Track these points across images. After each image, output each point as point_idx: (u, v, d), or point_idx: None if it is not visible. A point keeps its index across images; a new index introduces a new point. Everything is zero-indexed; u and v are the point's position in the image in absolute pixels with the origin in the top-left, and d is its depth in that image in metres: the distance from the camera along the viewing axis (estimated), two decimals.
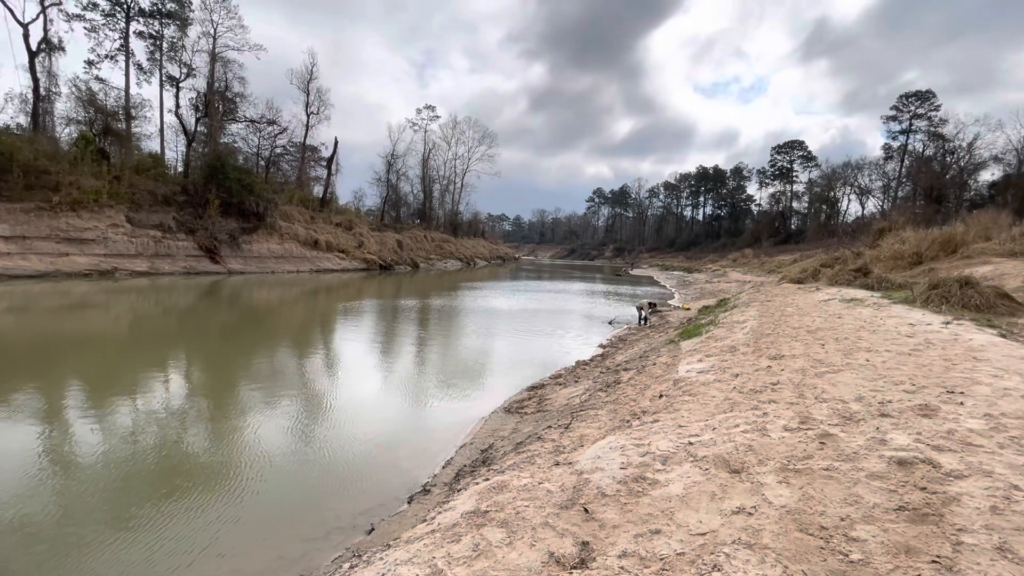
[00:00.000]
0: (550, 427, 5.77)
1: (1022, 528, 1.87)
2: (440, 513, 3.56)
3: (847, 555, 1.80)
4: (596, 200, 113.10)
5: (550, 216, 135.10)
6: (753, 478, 2.56)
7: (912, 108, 45.76)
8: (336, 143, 44.65)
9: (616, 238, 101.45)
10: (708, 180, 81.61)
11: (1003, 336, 5.80)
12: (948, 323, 6.48)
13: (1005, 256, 10.46)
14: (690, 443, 3.25)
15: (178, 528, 3.91)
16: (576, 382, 8.38)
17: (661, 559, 2.01)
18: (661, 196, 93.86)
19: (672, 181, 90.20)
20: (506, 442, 5.82)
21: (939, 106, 44.80)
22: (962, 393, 3.59)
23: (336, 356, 10.66)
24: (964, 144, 35.48)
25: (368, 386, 8.43)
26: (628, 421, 4.89)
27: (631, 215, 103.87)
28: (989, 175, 34.20)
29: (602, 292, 28.28)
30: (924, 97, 45.49)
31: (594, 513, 2.56)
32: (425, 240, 50.94)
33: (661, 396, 5.44)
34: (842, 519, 2.06)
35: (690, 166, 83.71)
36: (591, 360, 10.06)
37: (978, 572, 1.62)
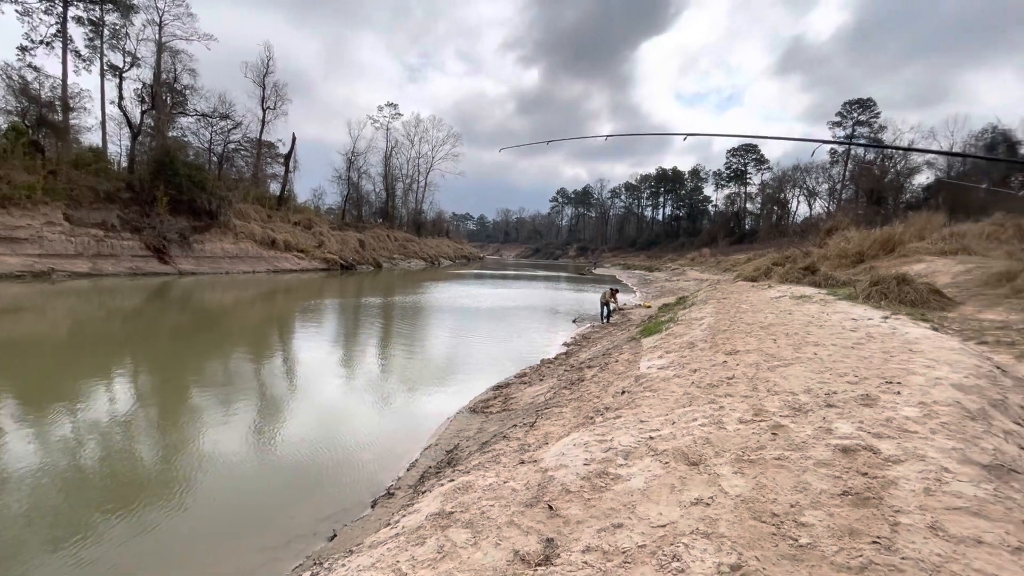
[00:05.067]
0: (515, 426, 5.79)
1: (952, 507, 2.01)
2: (404, 516, 3.52)
3: (796, 540, 1.89)
4: (560, 200, 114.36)
5: (515, 216, 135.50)
6: (710, 469, 2.65)
7: (855, 115, 48.51)
8: (294, 140, 43.37)
9: (579, 237, 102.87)
10: (667, 181, 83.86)
11: (935, 329, 6.22)
12: (887, 318, 6.90)
13: (936, 255, 11.24)
14: (651, 438, 3.34)
15: (125, 544, 3.69)
16: (541, 380, 8.44)
17: (623, 552, 2.05)
18: (623, 196, 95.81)
19: (633, 182, 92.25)
20: (472, 442, 5.81)
21: (879, 113, 47.77)
22: (899, 383, 3.83)
23: (295, 358, 10.35)
24: (900, 151, 38.00)
25: (330, 388, 8.23)
26: (592, 418, 4.96)
27: (594, 215, 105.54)
28: (924, 179, 36.84)
29: (566, 291, 28.61)
30: (866, 105, 48.28)
31: (558, 510, 2.59)
32: (388, 239, 50.11)
33: (623, 392, 5.55)
34: (792, 505, 2.16)
35: (665, 168, 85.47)
36: (556, 358, 10.17)
37: (913, 550, 1.74)
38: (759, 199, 63.39)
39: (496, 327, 14.55)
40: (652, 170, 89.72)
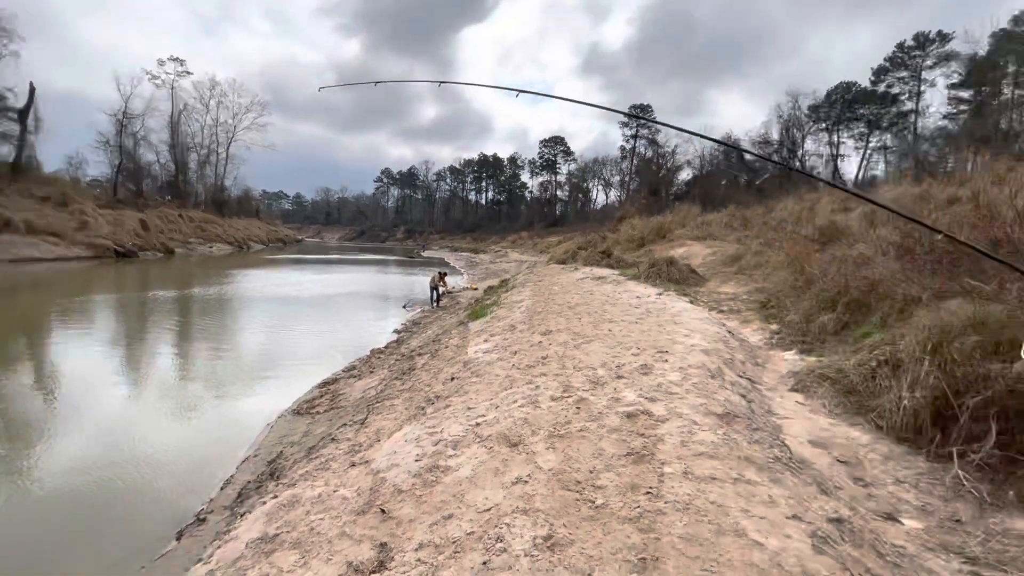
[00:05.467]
0: (345, 425, 5.58)
1: (698, 454, 2.64)
2: (220, 547, 3.16)
3: (594, 502, 2.28)
4: (385, 181, 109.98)
5: (336, 195, 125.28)
6: (528, 448, 2.98)
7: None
8: (32, 91, 33.08)
9: (407, 220, 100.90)
10: (488, 167, 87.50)
11: (692, 302, 7.87)
12: (661, 294, 8.47)
13: (693, 240, 14.13)
14: (477, 424, 3.58)
15: None
16: (371, 372, 8.23)
17: (454, 542, 2.20)
18: (448, 180, 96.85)
19: (457, 166, 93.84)
20: (297, 448, 5.42)
21: (654, 117, 57.22)
22: (667, 352, 4.78)
23: (57, 371, 8.17)
24: (670, 150, 46.70)
25: (111, 404, 6.75)
26: (423, 408, 5.06)
27: (420, 197, 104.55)
28: (686, 175, 45.70)
29: (396, 274, 28.02)
30: (644, 109, 57.36)
31: (391, 512, 2.63)
32: (181, 220, 42.09)
33: (453, 379, 5.76)
34: (591, 471, 2.58)
35: (486, 154, 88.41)
36: (386, 347, 9.98)
37: (673, 494, 2.25)
38: (567, 187, 70.67)
39: (321, 317, 13.57)
40: (475, 155, 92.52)
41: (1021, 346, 3.33)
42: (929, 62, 37.02)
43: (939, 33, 36.51)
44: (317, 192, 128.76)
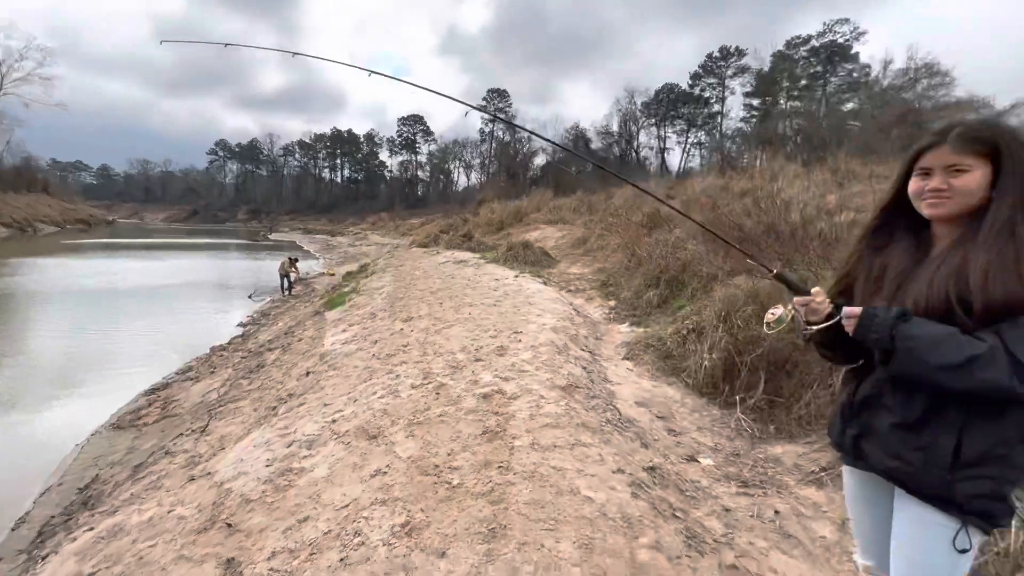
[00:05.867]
0: (181, 435, 4.97)
1: (544, 425, 2.95)
2: None
3: (450, 483, 2.42)
4: (221, 154, 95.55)
5: (158, 169, 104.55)
6: (387, 439, 3.01)
7: (495, 103, 58.51)
8: None
9: (250, 199, 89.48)
10: (343, 143, 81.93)
11: (545, 283, 8.48)
12: (518, 276, 8.96)
13: (547, 224, 15.11)
14: (334, 420, 3.48)
15: None
16: (212, 373, 7.35)
17: (310, 544, 2.17)
18: (297, 155, 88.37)
19: (308, 140, 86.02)
20: (119, 469, 4.68)
21: (511, 103, 59.05)
22: (521, 332, 5.13)
23: None
24: (527, 136, 48.75)
25: None
26: (275, 408, 4.74)
27: (266, 173, 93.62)
28: (541, 160, 48.23)
29: (240, 260, 24.98)
30: (502, 95, 58.87)
31: (239, 524, 2.47)
32: None
33: (308, 374, 5.46)
34: (448, 454, 2.72)
35: (340, 129, 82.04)
36: (230, 343, 8.97)
37: (521, 465, 2.50)
38: (428, 168, 69.62)
39: (146, 313, 11.56)
40: (328, 129, 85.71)
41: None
42: (730, 72, 44.10)
43: (736, 48, 43.62)
44: (132, 164, 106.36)
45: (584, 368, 4.35)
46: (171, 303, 12.94)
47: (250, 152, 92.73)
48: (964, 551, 1.11)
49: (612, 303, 7.32)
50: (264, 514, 2.50)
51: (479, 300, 7.08)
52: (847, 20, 38.28)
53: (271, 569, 2.07)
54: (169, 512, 2.93)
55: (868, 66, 34.37)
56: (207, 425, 5.00)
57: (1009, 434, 1.06)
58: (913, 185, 1.20)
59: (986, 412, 1.07)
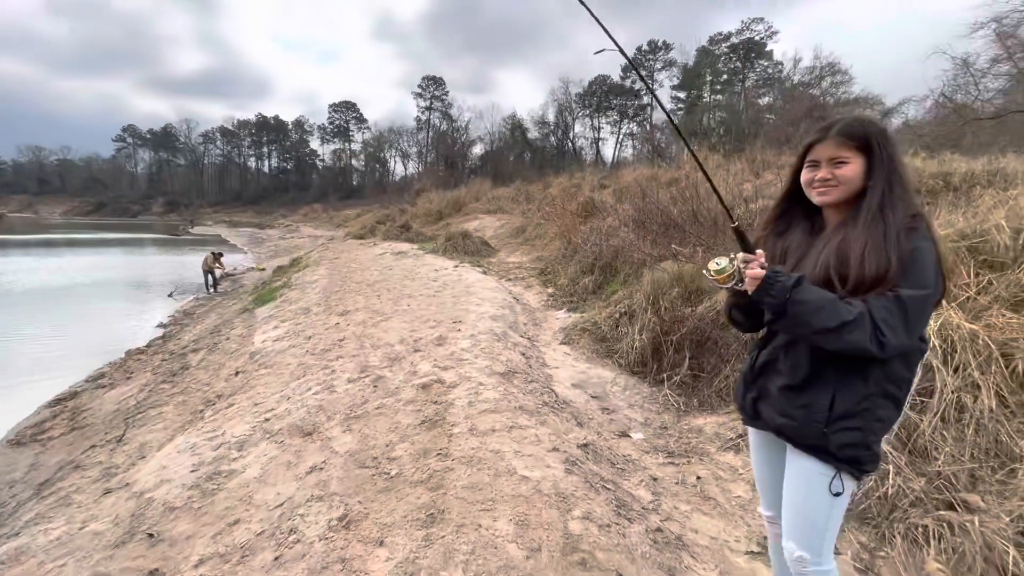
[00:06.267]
0: (94, 447, 4.60)
1: (482, 411, 3.00)
2: None
3: (389, 473, 2.42)
4: (130, 141, 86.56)
5: (54, 157, 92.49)
6: (323, 435, 2.95)
7: (432, 90, 57.35)
8: None
9: (167, 190, 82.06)
10: (270, 130, 77.22)
11: (484, 273, 8.51)
12: (457, 266, 8.94)
13: (486, 213, 15.13)
14: (266, 419, 3.36)
15: None
16: (129, 379, 6.80)
17: (241, 547, 2.10)
18: (219, 143, 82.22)
19: (230, 127, 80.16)
20: (21, 488, 4.26)
21: (448, 92, 58.06)
22: (461, 322, 5.15)
23: None
24: (464, 125, 48.33)
25: None
26: (201, 411, 4.50)
27: (183, 162, 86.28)
28: (479, 150, 47.95)
29: (158, 256, 23.03)
30: (438, 82, 57.69)
31: (162, 534, 2.34)
32: None
33: (237, 374, 5.21)
34: (387, 445, 2.71)
35: (266, 116, 77.03)
36: (149, 346, 8.31)
37: (460, 451, 2.54)
38: (363, 157, 67.17)
39: (49, 317, 10.42)
40: (252, 116, 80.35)
41: (703, 294, 4.59)
42: (659, 66, 45.82)
43: (664, 43, 45.36)
44: (21, 151, 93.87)
45: (523, 354, 4.45)
46: (78, 305, 11.76)
47: (164, 139, 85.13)
48: (838, 494, 1.28)
49: (550, 290, 7.49)
50: (190, 521, 2.39)
51: (418, 291, 7.01)
52: (762, 19, 40.88)
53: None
54: (81, 529, 2.72)
55: (781, 63, 36.94)
56: (124, 434, 4.66)
57: (871, 391, 1.24)
58: (804, 175, 1.35)
59: (855, 372, 1.24)
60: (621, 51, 1.55)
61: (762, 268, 1.28)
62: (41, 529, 2.96)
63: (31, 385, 6.65)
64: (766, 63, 39.66)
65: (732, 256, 1.33)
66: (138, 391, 6.07)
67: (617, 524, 2.01)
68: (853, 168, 1.26)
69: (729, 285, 1.33)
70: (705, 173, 1.65)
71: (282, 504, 2.35)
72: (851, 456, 1.26)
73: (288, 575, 1.82)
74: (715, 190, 1.58)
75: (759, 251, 1.36)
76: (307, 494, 2.37)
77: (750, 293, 1.29)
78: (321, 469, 2.58)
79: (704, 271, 1.39)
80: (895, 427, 1.36)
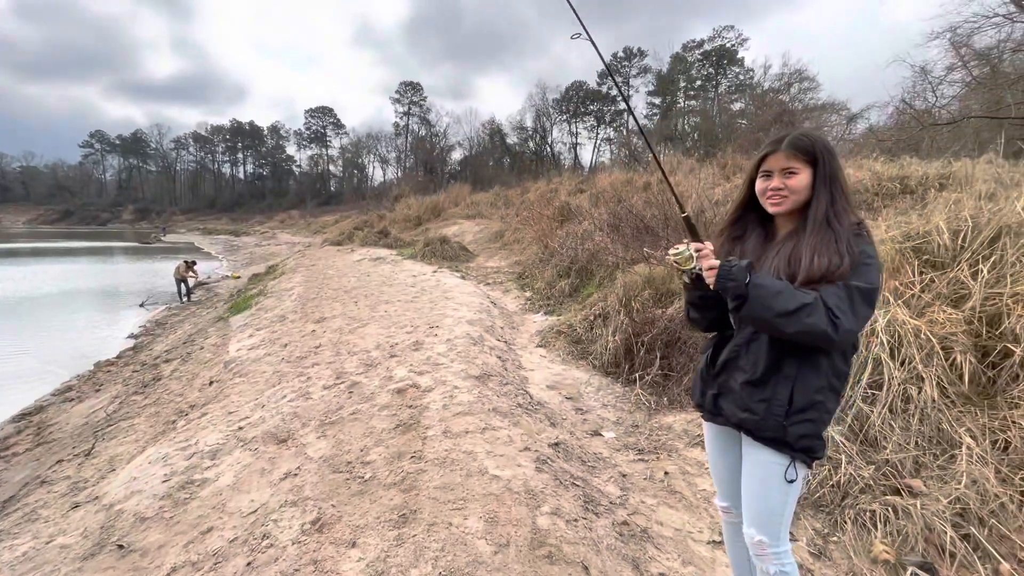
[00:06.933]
0: (61, 461, 4.49)
1: (456, 413, 3.05)
2: None
3: (363, 477, 2.45)
4: (98, 147, 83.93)
5: (16, 164, 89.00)
6: (298, 442, 2.96)
7: (409, 96, 57.21)
8: None
9: (137, 197, 79.80)
10: (244, 136, 75.96)
11: (463, 278, 8.55)
12: (436, 272, 8.95)
13: (465, 218, 15.17)
14: (240, 428, 3.34)
15: None
16: (98, 391, 6.64)
17: (214, 554, 2.11)
18: (192, 149, 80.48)
19: (203, 133, 78.56)
20: None
21: (426, 97, 58.01)
22: (438, 327, 5.19)
23: None
24: (443, 130, 48.39)
25: None
26: (174, 422, 4.43)
27: (155, 169, 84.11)
28: (459, 155, 48.02)
29: (128, 265, 22.42)
30: (416, 88, 57.61)
31: (132, 545, 2.33)
32: None
33: (212, 383, 5.15)
34: (362, 450, 2.74)
35: (241, 121, 75.87)
36: (119, 357, 8.12)
37: (434, 453, 2.58)
38: (341, 163, 66.55)
39: (12, 328, 10.08)
40: (227, 121, 78.92)
41: (674, 296, 4.72)
42: (634, 72, 46.60)
43: (639, 49, 46.20)
44: None
45: (499, 357, 4.51)
46: (44, 315, 11.40)
47: (134, 145, 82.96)
48: (792, 482, 1.38)
49: (528, 294, 7.57)
50: (162, 531, 2.38)
51: (396, 297, 7.01)
52: (732, 27, 41.93)
53: None
54: (48, 543, 2.68)
55: (752, 70, 37.95)
56: (92, 447, 4.57)
57: (822, 384, 1.34)
58: (759, 185, 1.45)
59: (809, 367, 1.34)
60: (590, 39, 1.64)
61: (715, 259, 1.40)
62: (6, 546, 2.90)
63: None
64: (737, 70, 40.71)
65: (687, 243, 1.44)
66: (108, 403, 5.94)
67: (584, 519, 2.09)
68: (801, 179, 1.36)
69: (689, 268, 1.43)
70: (659, 164, 1.75)
71: (256, 511, 2.36)
72: (806, 446, 1.36)
73: None
74: (667, 181, 1.69)
75: (706, 242, 1.46)
76: (281, 500, 2.38)
77: (713, 285, 1.38)
78: (295, 475, 2.60)
79: (666, 257, 1.49)
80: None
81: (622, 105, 45.56)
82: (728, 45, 41.37)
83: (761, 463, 1.43)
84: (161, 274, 17.49)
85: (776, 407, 1.36)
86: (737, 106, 35.36)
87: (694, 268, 1.43)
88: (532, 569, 1.70)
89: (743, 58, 40.72)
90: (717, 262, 1.37)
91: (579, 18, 1.69)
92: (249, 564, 1.95)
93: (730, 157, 13.25)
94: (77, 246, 33.64)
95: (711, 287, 1.40)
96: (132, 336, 9.58)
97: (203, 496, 2.59)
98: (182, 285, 13.01)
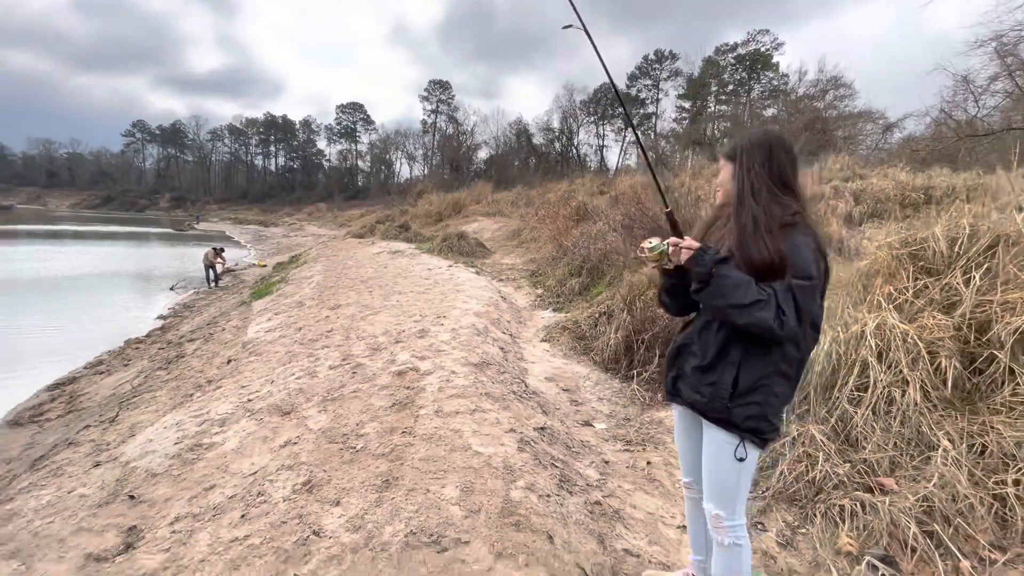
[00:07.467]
0: (88, 426, 4.79)
1: (450, 395, 3.18)
2: None
3: (355, 448, 2.60)
4: (139, 136, 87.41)
5: (64, 150, 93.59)
6: (300, 414, 3.14)
7: (438, 94, 57.88)
8: None
9: (173, 185, 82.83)
10: (277, 129, 77.98)
11: (477, 273, 8.70)
12: (451, 266, 9.13)
13: (485, 216, 15.33)
14: (249, 400, 3.54)
15: None
16: (126, 366, 7.03)
17: (214, 508, 2.28)
18: (227, 140, 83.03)
19: (239, 125, 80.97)
20: (17, 464, 4.46)
21: (454, 95, 58.57)
22: (445, 317, 5.33)
23: None
24: (470, 129, 48.78)
25: None
26: (191, 395, 4.68)
27: (191, 159, 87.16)
28: (484, 154, 48.35)
29: (162, 250, 23.36)
30: (444, 86, 58.24)
31: (142, 496, 2.53)
32: None
33: (229, 362, 5.40)
34: (357, 424, 2.89)
35: (274, 115, 78.26)
36: (148, 336, 8.56)
37: (423, 429, 2.72)
38: (369, 158, 67.71)
39: (53, 306, 10.68)
40: (261, 115, 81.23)
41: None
42: (664, 75, 46.11)
43: (670, 52, 45.67)
44: (31, 144, 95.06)
45: (501, 348, 4.62)
46: (82, 295, 12.02)
47: (173, 135, 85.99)
48: (742, 459, 1.46)
49: (539, 291, 7.67)
50: (169, 485, 2.57)
51: (409, 288, 7.20)
52: (767, 31, 41.07)
53: (173, 532, 2.18)
54: (70, 493, 2.91)
55: (786, 75, 37.11)
56: (117, 415, 4.85)
57: (769, 370, 1.42)
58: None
59: (756, 354, 1.42)
60: (584, 29, 1.76)
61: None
62: (33, 495, 3.15)
63: (32, 371, 6.87)
64: (771, 75, 39.86)
65: (665, 241, 1.53)
66: (134, 377, 6.28)
67: (557, 495, 2.19)
68: (724, 173, 1.53)
69: (659, 262, 1.53)
70: (648, 161, 1.84)
71: (255, 472, 2.53)
72: (753, 427, 1.45)
73: (251, 528, 2.00)
74: (655, 178, 1.80)
75: (686, 238, 1.56)
76: (279, 464, 2.55)
77: (683, 262, 1.47)
78: (294, 443, 2.76)
79: (639, 249, 1.59)
80: (792, 401, 1.55)
81: (651, 108, 45.17)
82: (763, 49, 40.58)
83: (716, 441, 1.52)
84: (192, 259, 18.17)
85: (721, 390, 1.45)
86: (769, 112, 34.66)
87: (665, 263, 1.53)
88: (498, 534, 1.82)
89: (777, 63, 39.89)
90: (696, 244, 1.46)
91: (574, 6, 1.79)
92: (243, 516, 2.11)
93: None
94: (116, 230, 35.15)
95: (681, 261, 1.49)
96: (161, 317, 10.05)
97: (209, 458, 2.78)
98: (210, 271, 13.53)
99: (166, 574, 1.84)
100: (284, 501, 2.15)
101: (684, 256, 1.48)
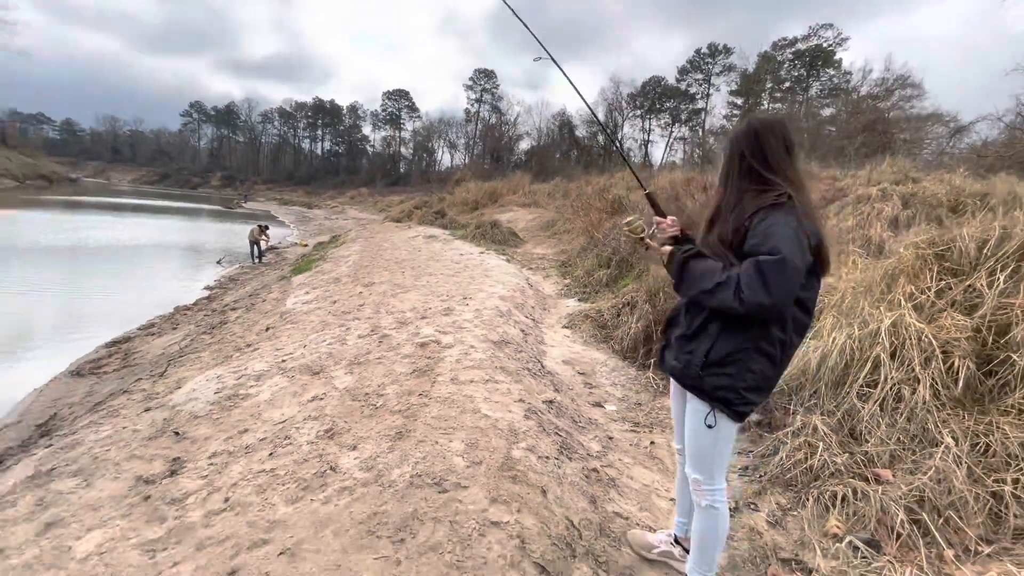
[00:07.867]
0: (140, 379, 5.25)
1: (467, 366, 3.35)
2: None
3: (375, 405, 2.81)
4: (195, 117, 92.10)
5: (127, 128, 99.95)
6: (328, 375, 3.38)
7: (482, 83, 58.07)
8: None
9: (225, 165, 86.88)
10: (325, 114, 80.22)
11: (508, 260, 8.86)
12: (483, 253, 9.32)
13: (521, 206, 15.45)
14: (283, 361, 3.83)
15: None
16: (175, 329, 7.60)
17: (246, 447, 2.54)
18: (276, 123, 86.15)
19: (288, 108, 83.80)
20: (78, 407, 4.96)
21: (498, 85, 58.62)
22: (471, 298, 5.52)
23: None
24: (513, 119, 48.85)
25: None
26: (231, 356, 5.04)
27: (242, 140, 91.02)
28: (526, 144, 48.38)
29: (211, 226, 24.66)
30: (489, 75, 58.36)
31: (185, 434, 2.82)
32: None
33: (268, 329, 5.76)
34: (379, 386, 3.10)
35: (323, 99, 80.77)
36: (195, 304, 9.19)
37: (438, 393, 2.90)
38: (412, 145, 68.83)
39: (112, 272, 11.59)
40: (309, 99, 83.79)
41: None
42: (717, 69, 44.68)
43: (724, 46, 44.17)
44: (99, 121, 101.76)
45: (522, 330, 4.77)
46: (138, 264, 12.94)
47: (226, 117, 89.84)
48: (711, 427, 1.56)
49: (567, 281, 7.76)
50: (209, 427, 2.86)
51: (440, 271, 7.43)
52: (831, 25, 39.07)
53: (211, 464, 2.44)
54: (124, 429, 3.26)
55: (849, 73, 35.27)
56: (165, 371, 5.28)
57: (747, 345, 1.51)
58: None
59: (735, 328, 1.51)
60: (552, 59, 1.89)
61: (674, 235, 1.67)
62: (93, 431, 3.54)
63: (92, 330, 7.52)
64: (832, 72, 37.99)
65: (640, 216, 1.67)
66: (181, 339, 6.78)
67: (557, 460, 2.32)
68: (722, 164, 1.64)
69: (639, 236, 1.68)
70: (622, 153, 1.94)
71: (284, 421, 2.78)
72: (722, 397, 1.54)
73: (277, 464, 2.23)
74: (627, 163, 1.90)
75: (671, 218, 1.67)
76: (305, 415, 2.79)
77: (664, 265, 1.64)
78: (321, 399, 3.00)
79: (621, 224, 1.78)
80: (778, 381, 1.63)
81: (701, 103, 43.96)
82: (825, 45, 38.67)
83: (692, 409, 1.63)
84: (239, 236, 19.14)
85: (696, 359, 1.55)
86: (827, 111, 33.08)
87: (646, 235, 1.68)
88: (495, 483, 1.97)
89: (840, 60, 37.92)
90: (668, 248, 1.64)
91: (540, 42, 1.97)
92: (271, 455, 2.35)
93: (802, 164, 12.63)
94: (171, 205, 37.23)
95: (662, 241, 1.63)
96: (207, 288, 10.71)
97: (244, 406, 3.06)
98: (255, 247, 14.24)
99: (203, 493, 2.09)
100: (308, 444, 2.37)
101: (662, 255, 1.66)
